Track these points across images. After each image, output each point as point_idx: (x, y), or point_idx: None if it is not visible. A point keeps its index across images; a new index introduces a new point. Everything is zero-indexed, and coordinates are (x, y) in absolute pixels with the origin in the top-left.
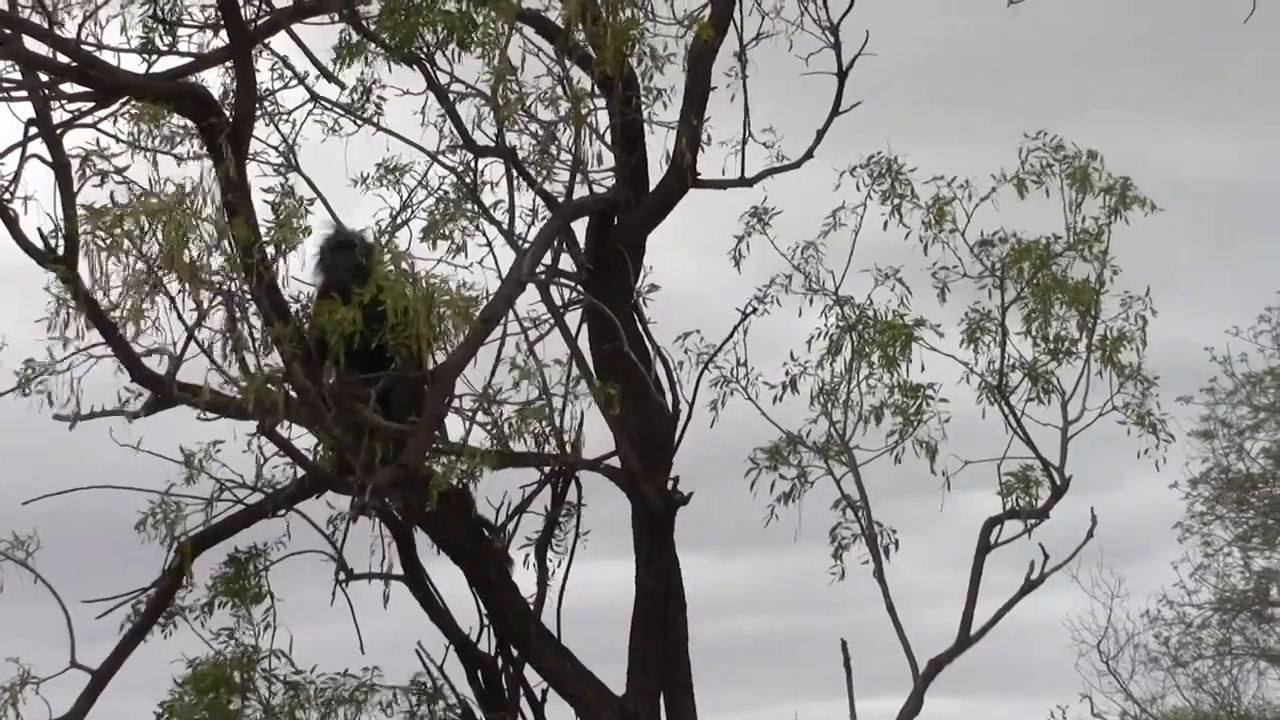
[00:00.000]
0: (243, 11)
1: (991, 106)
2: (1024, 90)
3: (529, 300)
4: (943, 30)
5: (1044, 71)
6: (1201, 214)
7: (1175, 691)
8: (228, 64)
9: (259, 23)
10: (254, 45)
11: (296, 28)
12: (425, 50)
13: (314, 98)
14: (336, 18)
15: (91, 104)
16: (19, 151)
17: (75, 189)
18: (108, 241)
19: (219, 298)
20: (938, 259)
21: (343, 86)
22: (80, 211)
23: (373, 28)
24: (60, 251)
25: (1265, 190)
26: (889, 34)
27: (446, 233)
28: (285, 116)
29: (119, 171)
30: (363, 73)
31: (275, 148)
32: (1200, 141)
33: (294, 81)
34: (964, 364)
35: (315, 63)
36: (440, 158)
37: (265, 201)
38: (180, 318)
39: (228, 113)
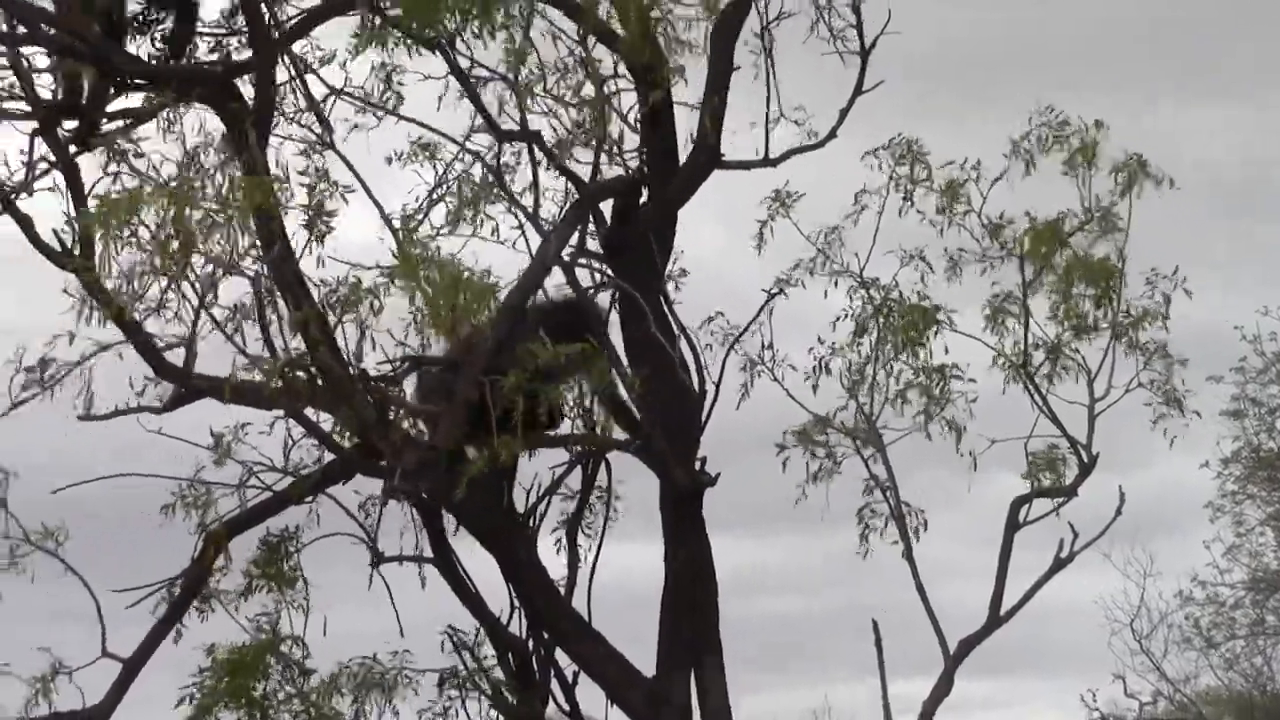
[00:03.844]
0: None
1: (1012, 87)
2: (1043, 72)
3: (557, 282)
4: (966, 13)
5: (1065, 55)
6: (1225, 194)
7: (1209, 671)
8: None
9: (284, 26)
10: (280, 50)
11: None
12: (446, 34)
13: (334, 91)
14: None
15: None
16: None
17: (86, 187)
18: (121, 231)
19: (226, 271)
20: (955, 240)
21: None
22: (92, 203)
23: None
24: (76, 250)
25: None
26: (913, 15)
27: (468, 217)
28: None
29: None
30: (383, 60)
31: (309, 128)
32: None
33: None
34: (989, 346)
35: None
36: (466, 142)
37: (300, 185)
38: (191, 297)
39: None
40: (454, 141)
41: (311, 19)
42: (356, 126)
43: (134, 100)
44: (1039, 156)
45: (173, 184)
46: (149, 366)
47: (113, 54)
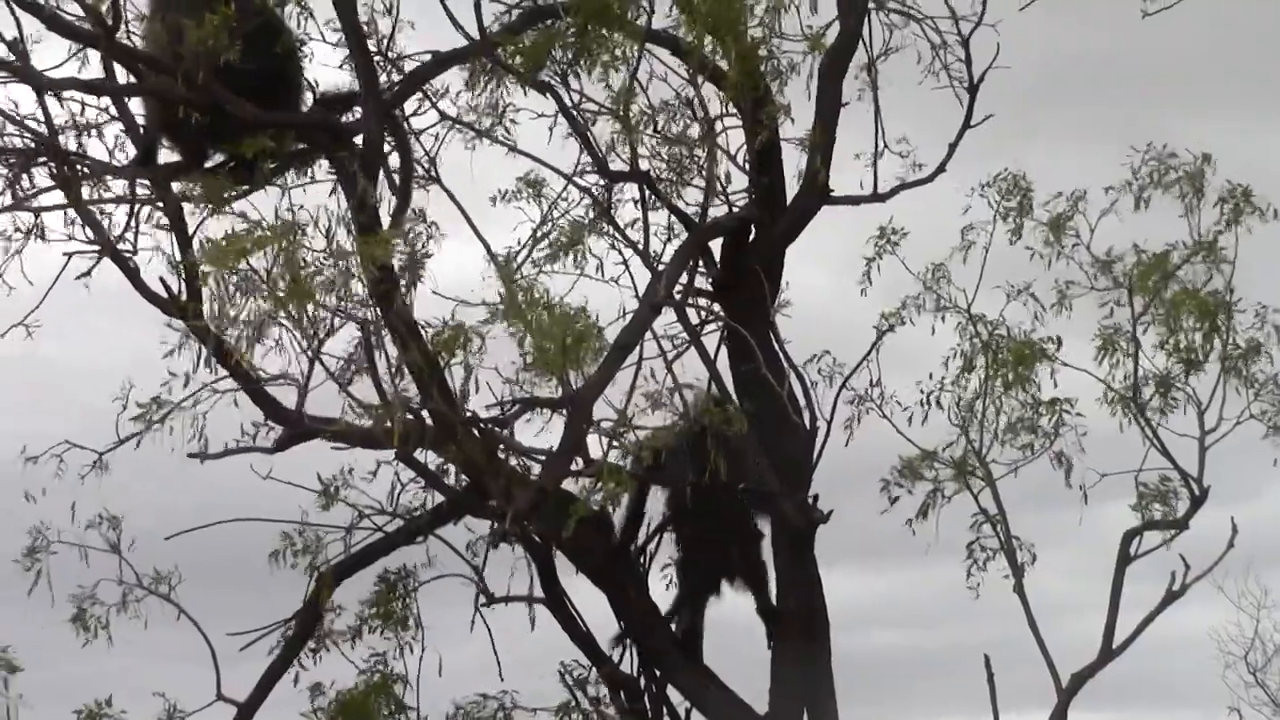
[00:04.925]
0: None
1: (1121, 116)
2: (1152, 100)
3: (667, 321)
4: (1074, 42)
5: (1173, 81)
6: None
7: None
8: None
9: (396, 84)
10: (396, 107)
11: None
12: (557, 73)
13: (444, 117)
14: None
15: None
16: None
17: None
18: (229, 276)
19: (340, 318)
20: (1062, 274)
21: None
22: (198, 248)
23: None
24: (183, 297)
25: None
26: (1020, 46)
27: (575, 255)
28: (417, 136)
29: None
30: (495, 95)
31: (417, 163)
32: None
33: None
34: (1099, 380)
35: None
36: (575, 179)
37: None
38: (302, 342)
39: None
40: (563, 176)
41: (424, 73)
42: (468, 149)
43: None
44: (1148, 190)
45: (281, 229)
46: (259, 410)
47: (222, 100)
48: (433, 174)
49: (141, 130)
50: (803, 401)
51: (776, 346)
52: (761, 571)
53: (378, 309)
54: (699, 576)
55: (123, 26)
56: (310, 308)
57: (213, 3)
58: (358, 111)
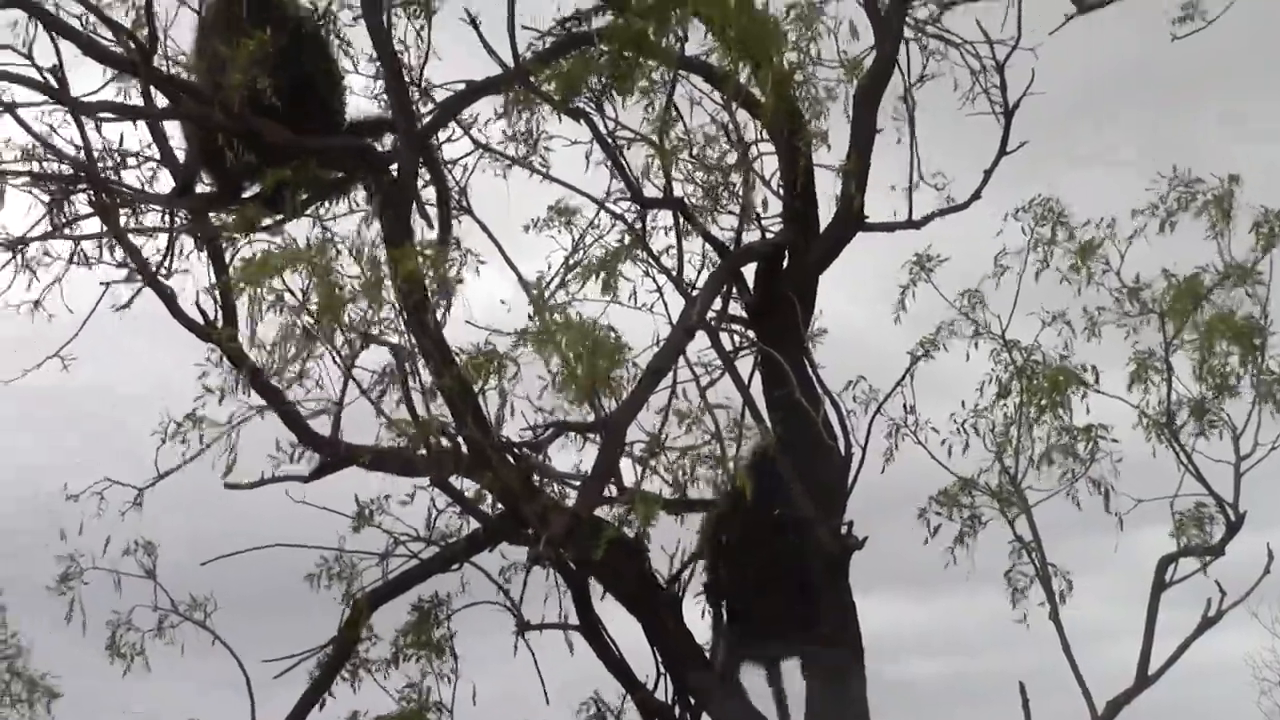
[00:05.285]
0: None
1: (1154, 133)
2: (1185, 112)
3: (700, 346)
4: (1107, 61)
5: (1206, 90)
6: None
7: None
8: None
9: (430, 112)
10: (430, 135)
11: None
12: (591, 100)
13: (478, 145)
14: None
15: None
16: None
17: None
18: (263, 295)
19: (373, 340)
20: (1094, 299)
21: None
22: (233, 270)
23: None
24: (219, 323)
25: None
26: (1055, 69)
27: (608, 279)
28: (450, 165)
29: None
30: (529, 123)
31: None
32: None
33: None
34: (1133, 406)
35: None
36: (609, 205)
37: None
38: (337, 362)
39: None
40: (596, 202)
41: (459, 101)
42: (498, 176)
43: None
44: (1176, 214)
45: (313, 250)
46: (294, 434)
47: (258, 127)
48: (464, 204)
49: (180, 158)
50: (837, 427)
51: (811, 372)
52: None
53: (411, 331)
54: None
55: (159, 52)
56: (342, 325)
57: (256, 29)
58: (389, 138)
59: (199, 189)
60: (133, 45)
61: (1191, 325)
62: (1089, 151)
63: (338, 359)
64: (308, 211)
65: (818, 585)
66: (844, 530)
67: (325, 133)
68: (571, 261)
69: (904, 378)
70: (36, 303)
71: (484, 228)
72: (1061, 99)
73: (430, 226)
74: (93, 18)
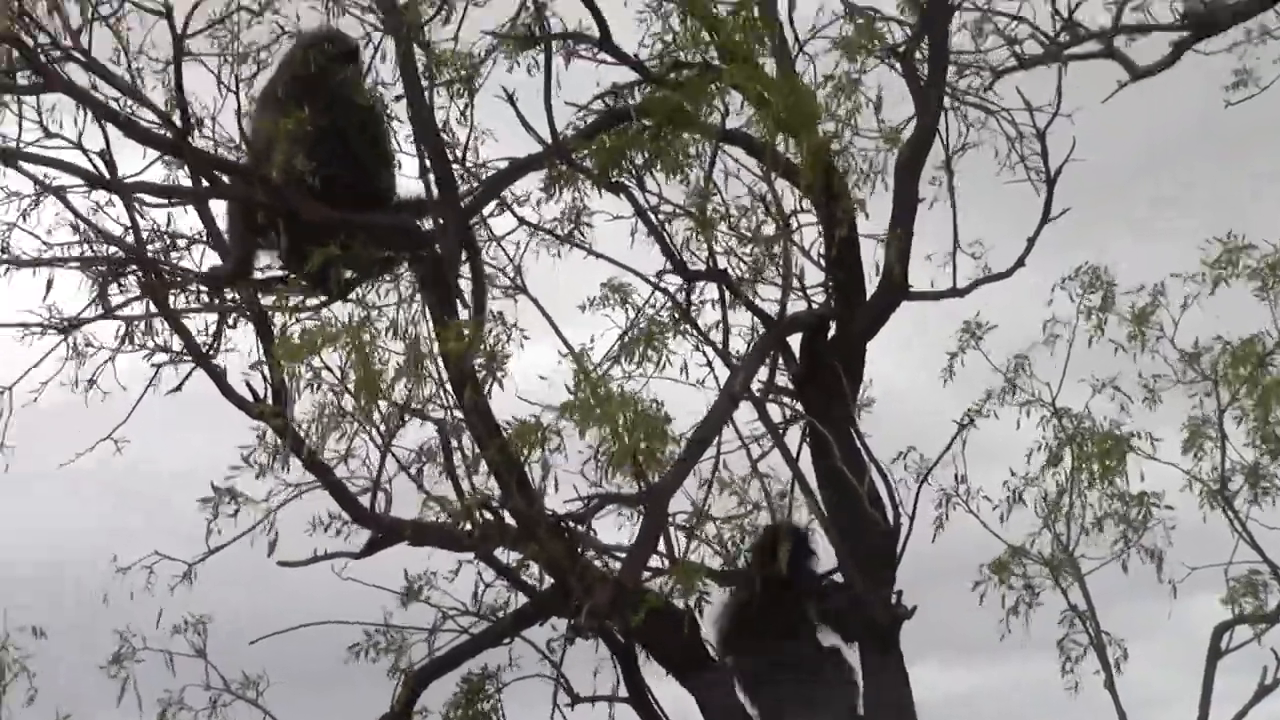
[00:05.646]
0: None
1: (1204, 201)
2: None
3: (748, 418)
4: (1153, 128)
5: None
6: None
7: None
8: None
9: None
10: (474, 214)
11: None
12: (632, 174)
13: (523, 223)
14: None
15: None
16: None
17: (275, 335)
18: (304, 373)
19: (408, 417)
20: (1148, 366)
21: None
22: (279, 349)
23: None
24: (268, 400)
25: None
26: (1099, 134)
27: (651, 354)
28: (497, 241)
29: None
30: (573, 199)
31: (500, 269)
32: None
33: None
34: (1186, 473)
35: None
36: (656, 281)
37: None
38: (376, 440)
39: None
40: (644, 279)
41: (501, 179)
42: (555, 255)
43: None
44: (1227, 277)
45: (354, 327)
46: (343, 510)
47: (301, 204)
48: (518, 282)
49: (225, 238)
50: (885, 497)
51: (858, 441)
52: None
53: (455, 407)
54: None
55: (199, 132)
56: (382, 403)
57: (307, 107)
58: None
59: (246, 267)
60: (170, 126)
61: (1250, 389)
62: (1138, 217)
63: (378, 436)
64: (353, 290)
65: (863, 656)
66: (894, 600)
67: (372, 211)
68: (625, 338)
69: (950, 445)
70: (91, 380)
71: (537, 304)
72: (1111, 164)
73: (465, 305)
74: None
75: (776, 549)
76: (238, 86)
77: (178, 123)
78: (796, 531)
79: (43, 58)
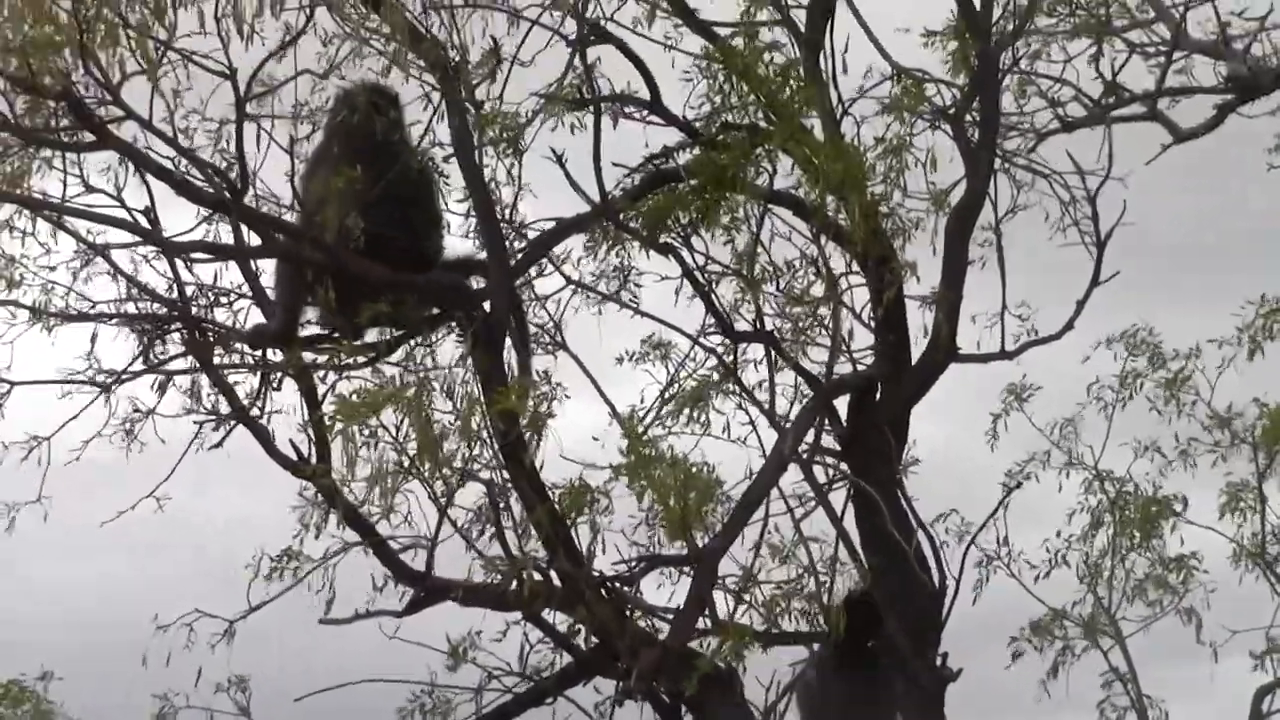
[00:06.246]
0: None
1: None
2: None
3: (794, 479)
4: (1199, 190)
5: None
6: None
7: None
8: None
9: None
10: (521, 274)
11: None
12: (679, 235)
13: (570, 282)
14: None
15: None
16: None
17: (320, 395)
18: (358, 435)
19: (465, 478)
20: (1185, 429)
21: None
22: (327, 407)
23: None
24: (313, 459)
25: None
26: (1150, 200)
27: (700, 414)
28: (542, 301)
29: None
30: (620, 258)
31: (541, 327)
32: None
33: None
34: (1226, 537)
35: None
36: (701, 340)
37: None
38: (435, 500)
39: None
40: (688, 337)
41: (549, 239)
42: (597, 312)
43: None
44: (1264, 341)
45: (409, 388)
46: (388, 569)
47: (349, 263)
48: (559, 340)
49: (272, 296)
50: (931, 559)
51: (904, 503)
52: None
53: (504, 467)
54: None
55: (251, 190)
56: (439, 463)
57: (359, 165)
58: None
59: (293, 326)
60: (224, 185)
61: None
62: (1183, 279)
63: (435, 497)
64: (401, 349)
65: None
66: (939, 663)
67: (422, 270)
68: (666, 396)
69: (995, 510)
70: (131, 433)
71: (579, 362)
72: (1157, 227)
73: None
74: (183, 160)
75: (860, 619)
76: (292, 146)
77: (236, 182)
78: (873, 602)
79: (96, 116)
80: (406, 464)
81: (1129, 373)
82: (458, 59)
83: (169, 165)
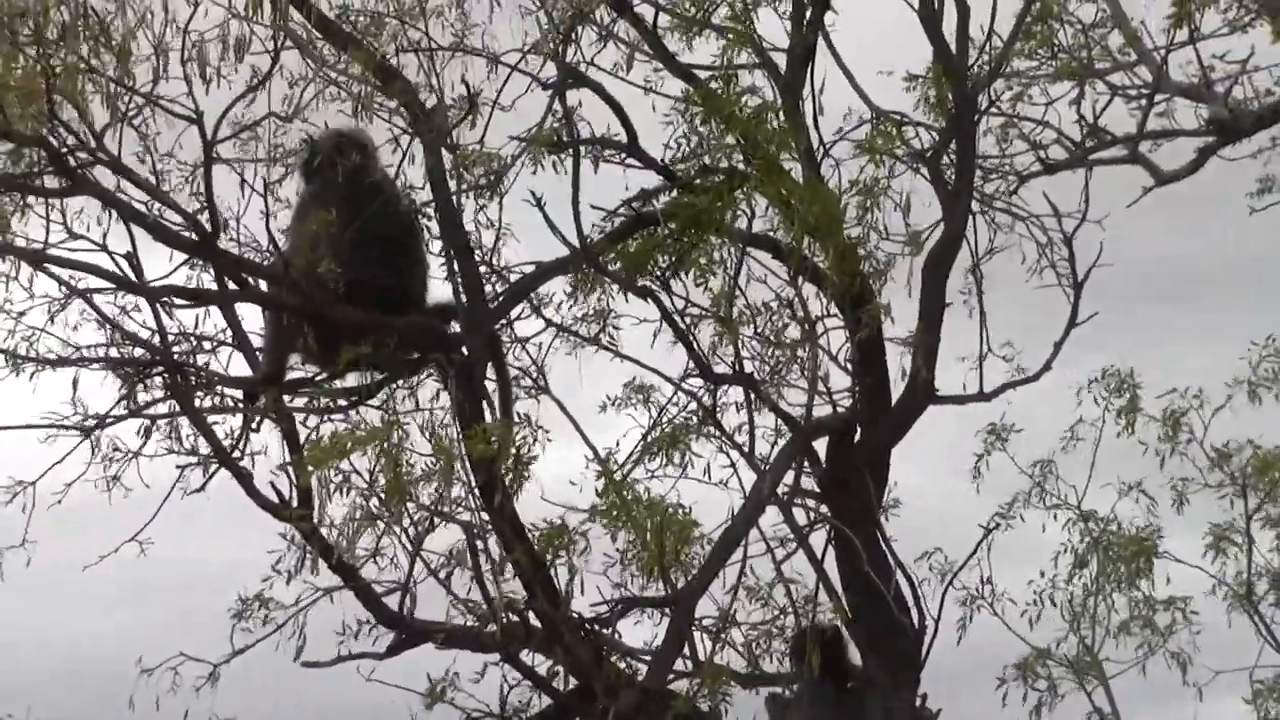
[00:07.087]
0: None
1: (1231, 313)
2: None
3: (773, 521)
4: (1183, 237)
5: None
6: None
7: None
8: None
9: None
10: (500, 318)
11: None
12: (657, 278)
13: (550, 324)
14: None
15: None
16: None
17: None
18: (332, 477)
19: (436, 521)
20: (1175, 470)
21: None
22: (308, 453)
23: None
24: (294, 502)
25: None
26: (1127, 241)
27: (679, 456)
28: (522, 344)
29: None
30: (600, 302)
31: (524, 370)
32: None
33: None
34: (1211, 576)
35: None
36: (681, 384)
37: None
38: (405, 544)
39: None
40: (670, 381)
41: (528, 282)
42: (569, 355)
43: None
44: (1264, 387)
45: (379, 431)
46: (367, 612)
47: (328, 309)
48: (541, 383)
49: (261, 341)
50: (910, 600)
51: (883, 544)
52: None
53: (482, 509)
54: None
55: (225, 235)
56: (410, 506)
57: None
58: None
59: (279, 372)
60: (199, 230)
61: (1275, 495)
62: (1165, 324)
63: (406, 539)
64: (380, 392)
65: None
66: (919, 702)
67: (407, 310)
68: (648, 439)
69: (976, 550)
70: (115, 477)
71: (560, 406)
72: (1137, 270)
73: (490, 407)
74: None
75: (826, 649)
76: (266, 190)
77: (207, 226)
78: (837, 631)
79: (70, 160)
80: (376, 507)
81: (1116, 410)
82: (435, 100)
83: (144, 210)
